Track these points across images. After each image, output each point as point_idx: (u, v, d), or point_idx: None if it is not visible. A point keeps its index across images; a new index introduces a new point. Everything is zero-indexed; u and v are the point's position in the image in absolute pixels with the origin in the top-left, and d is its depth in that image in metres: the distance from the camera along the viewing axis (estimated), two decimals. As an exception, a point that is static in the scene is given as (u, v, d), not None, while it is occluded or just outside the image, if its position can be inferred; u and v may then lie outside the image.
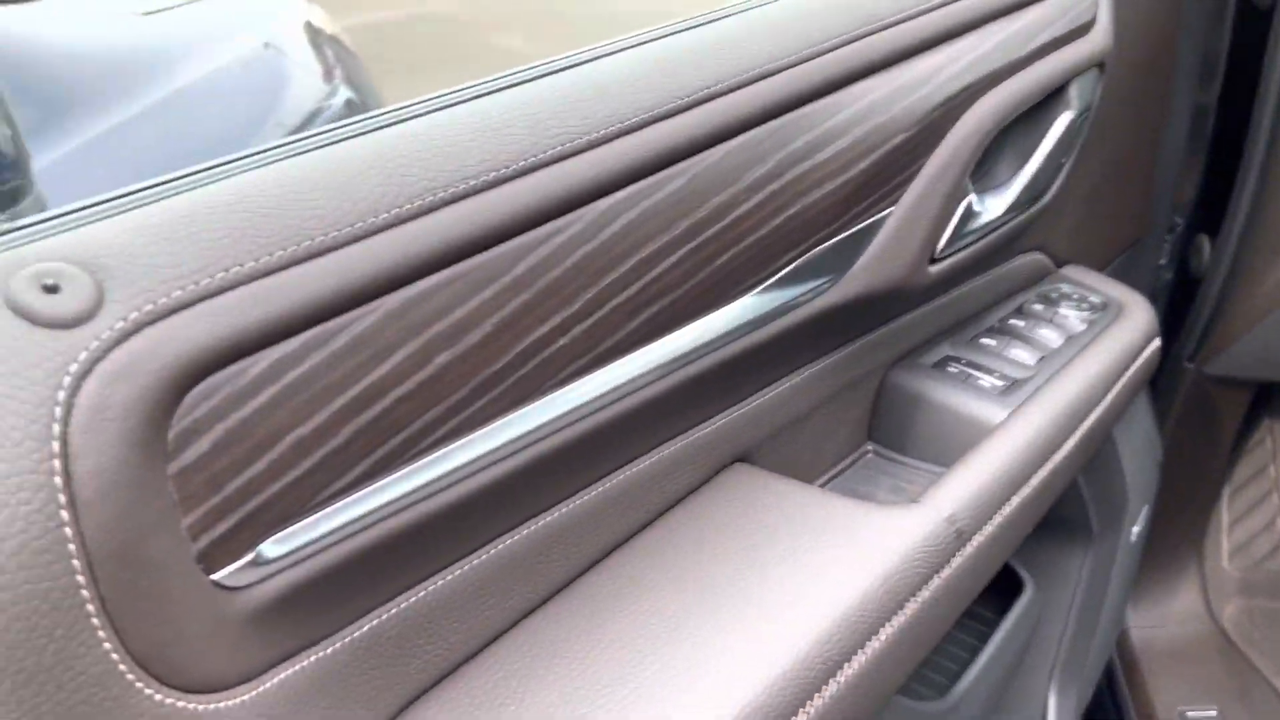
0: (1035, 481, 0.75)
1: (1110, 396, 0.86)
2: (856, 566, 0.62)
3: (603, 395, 0.56)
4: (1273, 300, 1.11)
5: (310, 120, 1.50)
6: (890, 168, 0.70)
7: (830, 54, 0.65)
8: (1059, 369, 0.84)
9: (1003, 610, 0.97)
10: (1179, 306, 1.21)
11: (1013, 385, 0.82)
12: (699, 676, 0.53)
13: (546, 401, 0.54)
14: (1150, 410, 1.10)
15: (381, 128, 0.50)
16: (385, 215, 0.46)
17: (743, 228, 0.61)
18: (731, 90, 0.60)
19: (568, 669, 0.54)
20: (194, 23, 1.55)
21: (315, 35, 1.61)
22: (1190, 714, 1.23)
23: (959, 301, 0.87)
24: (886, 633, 0.60)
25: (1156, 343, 0.94)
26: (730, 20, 0.66)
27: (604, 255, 0.54)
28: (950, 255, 0.78)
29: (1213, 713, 1.23)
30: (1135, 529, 1.08)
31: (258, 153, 0.46)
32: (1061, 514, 0.98)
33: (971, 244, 0.80)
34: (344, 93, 1.61)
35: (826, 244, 0.68)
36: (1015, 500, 0.73)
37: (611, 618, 0.57)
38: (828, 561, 0.62)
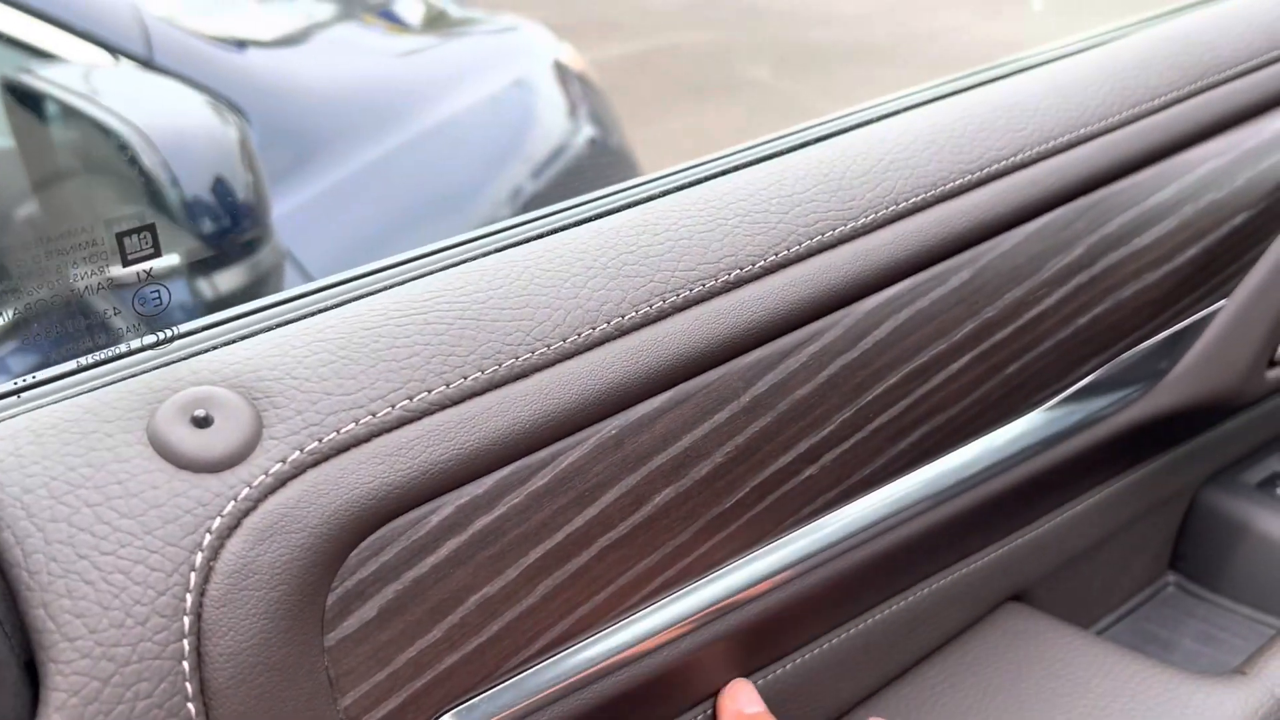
0: None
1: None
2: None
3: (853, 535, 0.46)
4: None
5: (554, 158, 1.50)
6: (1226, 254, 0.56)
7: (1157, 114, 0.53)
8: None
9: None
10: None
11: None
12: None
13: (784, 542, 0.44)
14: None
15: (600, 215, 0.42)
16: (605, 326, 0.38)
17: (1040, 330, 0.50)
18: (1032, 162, 0.49)
19: None
20: (449, 62, 1.57)
21: (563, 73, 1.61)
22: None
23: None
24: None
25: None
26: (1028, 76, 0.55)
27: (865, 368, 0.44)
28: None
29: None
30: None
31: (455, 245, 0.39)
32: None
33: None
34: (587, 130, 1.61)
35: (1140, 346, 0.55)
36: None
37: None
38: None
